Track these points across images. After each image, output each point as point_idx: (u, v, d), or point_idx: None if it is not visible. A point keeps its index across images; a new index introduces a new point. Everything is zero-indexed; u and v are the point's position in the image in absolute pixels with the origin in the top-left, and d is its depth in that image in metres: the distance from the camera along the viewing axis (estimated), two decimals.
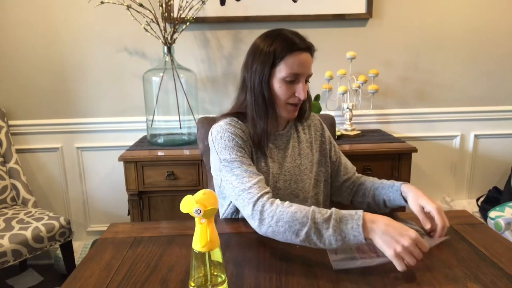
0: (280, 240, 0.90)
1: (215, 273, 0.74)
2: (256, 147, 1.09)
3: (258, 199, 0.92)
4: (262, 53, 1.03)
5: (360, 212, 0.86)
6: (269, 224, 0.89)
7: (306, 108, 1.17)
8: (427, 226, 0.95)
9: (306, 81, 1.08)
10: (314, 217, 0.86)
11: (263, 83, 1.04)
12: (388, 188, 1.10)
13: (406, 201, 1.04)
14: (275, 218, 0.89)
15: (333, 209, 0.88)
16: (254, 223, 0.92)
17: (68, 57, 2.12)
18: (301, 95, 1.04)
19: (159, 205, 1.87)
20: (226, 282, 0.75)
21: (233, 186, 0.98)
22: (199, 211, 0.69)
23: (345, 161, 1.26)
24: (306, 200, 1.15)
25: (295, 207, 0.89)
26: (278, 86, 1.04)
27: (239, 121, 1.09)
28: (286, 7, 2.06)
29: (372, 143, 1.92)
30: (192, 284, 0.73)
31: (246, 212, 0.94)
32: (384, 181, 1.15)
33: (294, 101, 1.06)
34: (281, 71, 1.02)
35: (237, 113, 1.12)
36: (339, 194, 1.26)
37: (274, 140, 1.14)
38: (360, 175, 1.25)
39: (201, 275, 0.73)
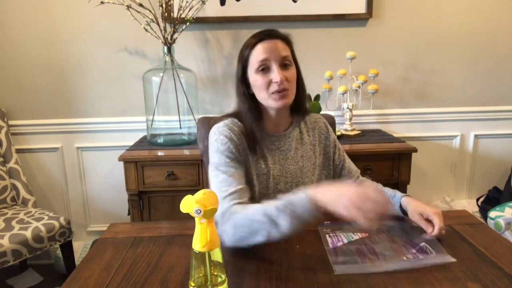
0: (248, 244, 0.90)
1: (215, 273, 0.74)
2: (252, 148, 1.09)
3: (225, 212, 0.93)
4: (240, 53, 1.10)
5: (303, 193, 0.86)
6: (232, 234, 0.90)
7: (302, 100, 1.14)
8: (428, 230, 0.96)
9: (286, 65, 1.04)
10: (266, 212, 0.86)
11: (241, 81, 1.08)
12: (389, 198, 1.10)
13: (405, 213, 1.05)
14: (234, 225, 0.90)
15: (281, 197, 0.88)
16: (222, 236, 0.91)
17: (68, 57, 2.12)
18: (277, 78, 1.01)
19: (159, 205, 1.87)
20: (226, 282, 0.75)
21: (218, 188, 1.00)
22: (199, 211, 0.69)
23: (349, 165, 1.24)
24: None
25: (249, 209, 0.90)
26: (254, 79, 1.06)
27: (239, 122, 1.10)
28: (286, 7, 2.06)
29: (372, 143, 1.92)
30: (192, 284, 0.73)
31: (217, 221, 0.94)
32: (386, 190, 1.14)
33: (274, 88, 1.03)
34: (252, 65, 1.05)
35: (238, 114, 1.13)
36: None
37: (276, 140, 1.13)
38: (363, 178, 1.24)
39: (201, 275, 0.73)
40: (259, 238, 0.88)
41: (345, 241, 0.95)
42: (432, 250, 0.90)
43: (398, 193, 1.09)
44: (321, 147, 1.20)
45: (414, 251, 0.90)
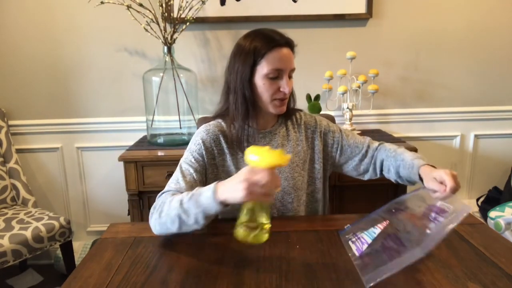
0: (170, 233, 0.95)
1: (264, 221, 0.83)
2: (237, 148, 1.12)
3: (157, 203, 0.98)
4: (243, 53, 1.06)
5: (214, 183, 0.88)
6: (155, 219, 0.95)
7: (290, 103, 1.17)
8: (441, 189, 0.91)
9: (290, 76, 1.09)
10: (182, 200, 0.91)
11: (244, 82, 1.06)
12: (408, 168, 1.07)
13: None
14: (159, 212, 0.94)
15: (197, 187, 0.92)
16: (152, 226, 0.98)
17: (68, 57, 2.12)
18: (286, 89, 1.06)
19: None
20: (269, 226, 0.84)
21: (168, 182, 1.05)
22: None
23: (353, 140, 1.22)
24: (300, 198, 1.16)
25: (175, 197, 0.93)
26: (261, 83, 1.06)
27: (222, 122, 1.15)
28: (286, 7, 2.06)
29: None
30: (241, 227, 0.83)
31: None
32: (405, 159, 1.10)
33: (279, 96, 1.07)
34: (263, 68, 1.04)
35: (225, 114, 1.15)
36: (364, 172, 1.23)
37: (263, 137, 1.15)
38: (375, 146, 1.22)
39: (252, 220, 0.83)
40: (175, 226, 0.92)
41: (369, 240, 0.90)
42: (449, 206, 0.88)
43: (416, 163, 1.05)
44: (308, 141, 1.21)
45: (433, 215, 0.87)
